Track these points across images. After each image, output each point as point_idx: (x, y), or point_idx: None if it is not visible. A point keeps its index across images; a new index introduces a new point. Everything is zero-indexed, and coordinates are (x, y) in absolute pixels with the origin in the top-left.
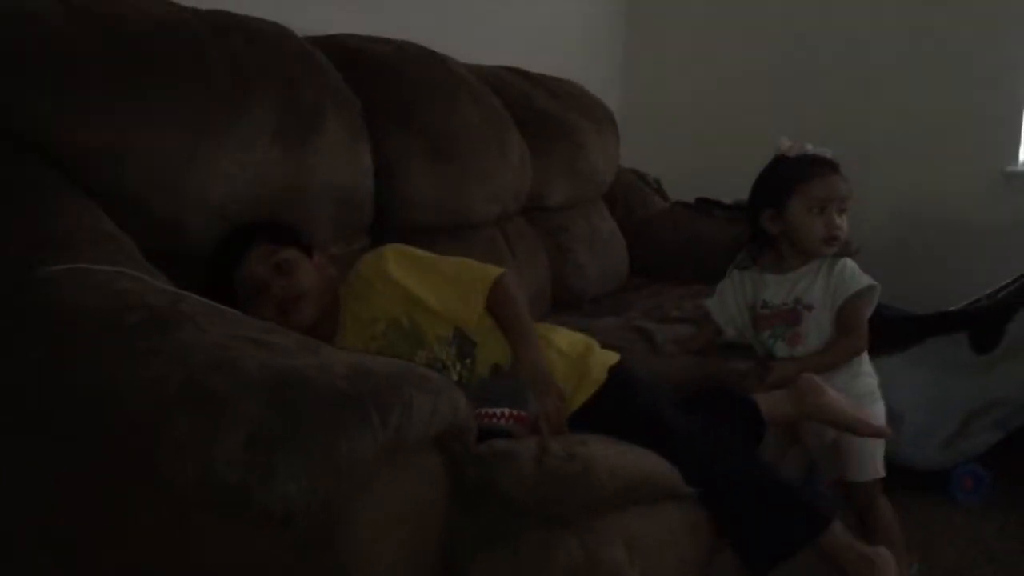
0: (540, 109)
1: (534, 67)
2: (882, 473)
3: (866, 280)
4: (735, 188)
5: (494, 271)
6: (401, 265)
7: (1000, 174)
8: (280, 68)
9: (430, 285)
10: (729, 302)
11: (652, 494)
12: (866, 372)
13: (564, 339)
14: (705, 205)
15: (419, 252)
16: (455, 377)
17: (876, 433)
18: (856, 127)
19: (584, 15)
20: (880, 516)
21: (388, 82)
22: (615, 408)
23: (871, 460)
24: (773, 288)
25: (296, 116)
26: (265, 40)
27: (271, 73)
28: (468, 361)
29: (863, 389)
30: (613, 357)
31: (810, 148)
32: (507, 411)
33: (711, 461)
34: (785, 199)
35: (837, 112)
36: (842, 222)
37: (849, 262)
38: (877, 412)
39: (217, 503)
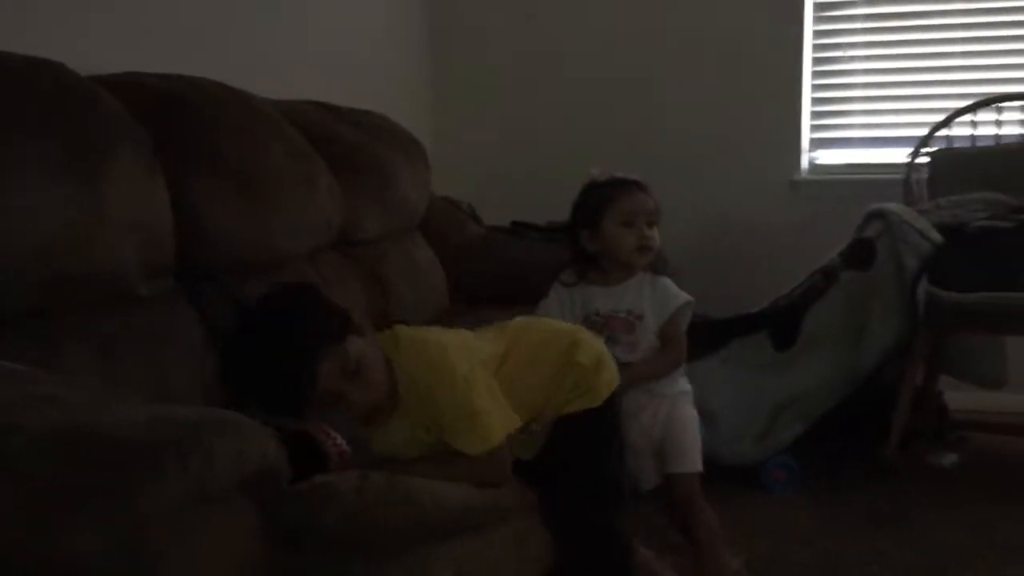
0: (347, 141)
1: (340, 101)
2: (700, 468)
3: (684, 297)
4: (547, 210)
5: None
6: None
7: (787, 183)
8: (57, 102)
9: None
10: (555, 316)
11: (478, 520)
12: (684, 375)
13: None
14: (520, 228)
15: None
16: None
17: None
18: (656, 150)
19: (388, 46)
20: (699, 513)
21: (182, 118)
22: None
23: (690, 453)
24: (603, 298)
25: (80, 150)
26: (39, 76)
27: (47, 107)
28: None
29: (679, 389)
30: (615, 381)
31: (618, 173)
32: (341, 441)
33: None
34: (599, 219)
35: (636, 137)
36: (653, 233)
37: (668, 280)
38: (691, 413)
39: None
